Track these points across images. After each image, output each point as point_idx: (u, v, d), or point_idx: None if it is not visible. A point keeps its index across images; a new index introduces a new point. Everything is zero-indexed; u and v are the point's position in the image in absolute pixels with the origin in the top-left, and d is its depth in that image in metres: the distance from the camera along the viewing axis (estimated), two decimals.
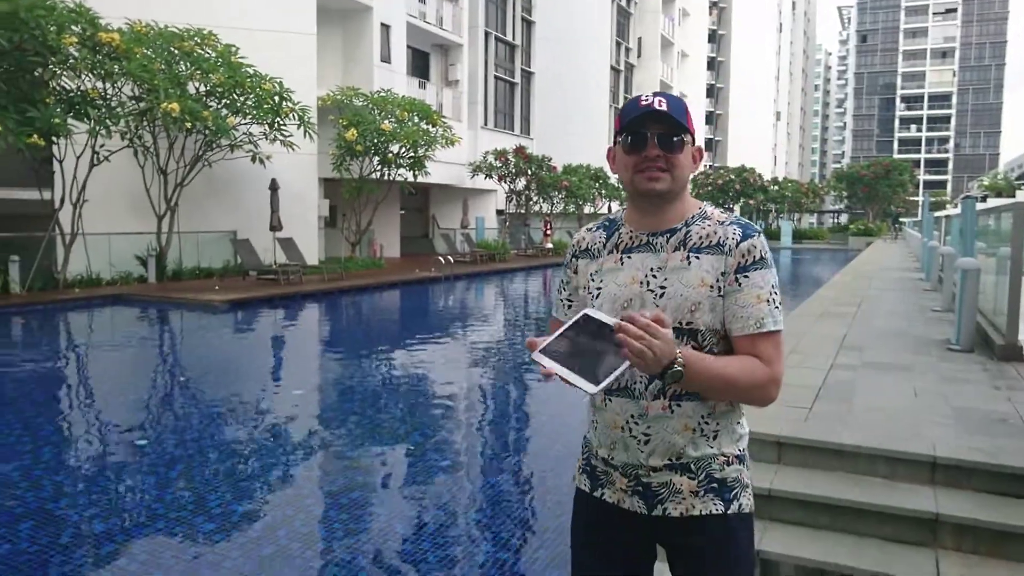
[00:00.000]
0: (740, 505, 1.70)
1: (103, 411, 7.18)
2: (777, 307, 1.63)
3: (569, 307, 1.84)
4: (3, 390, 7.87)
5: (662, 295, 1.65)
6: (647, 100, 1.64)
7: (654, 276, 1.67)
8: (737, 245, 1.63)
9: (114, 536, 4.14)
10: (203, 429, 6.40)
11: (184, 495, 4.76)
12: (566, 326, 1.54)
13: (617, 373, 1.50)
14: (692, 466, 1.66)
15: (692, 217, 1.70)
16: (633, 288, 1.68)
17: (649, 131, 1.63)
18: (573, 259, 1.84)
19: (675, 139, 1.64)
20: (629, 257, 1.71)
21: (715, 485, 1.68)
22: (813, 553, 3.30)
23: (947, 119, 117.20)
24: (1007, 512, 3.38)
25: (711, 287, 1.62)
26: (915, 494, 3.58)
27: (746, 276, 1.62)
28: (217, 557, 3.85)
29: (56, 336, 11.85)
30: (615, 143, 1.72)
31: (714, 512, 1.67)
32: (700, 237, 1.66)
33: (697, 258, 1.64)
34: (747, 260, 1.63)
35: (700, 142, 1.73)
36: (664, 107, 1.62)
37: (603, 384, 1.48)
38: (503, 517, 4.57)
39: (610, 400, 1.70)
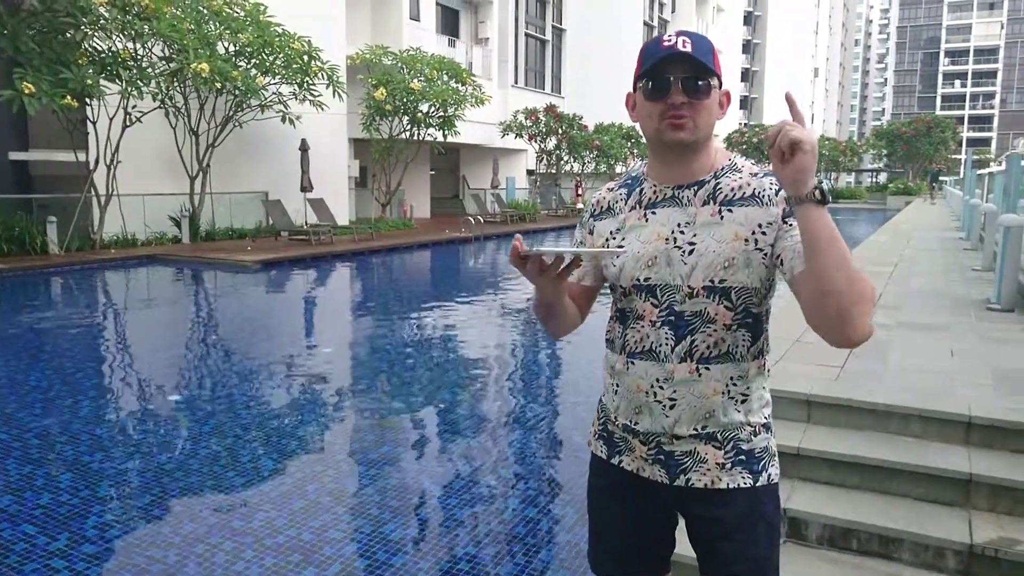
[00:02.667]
0: (768, 476, 1.62)
1: (139, 368, 7.33)
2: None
3: (579, 266, 1.72)
4: (44, 347, 8.06)
5: (691, 252, 1.54)
6: (669, 40, 1.49)
7: (681, 232, 1.55)
8: (777, 193, 1.52)
9: (150, 488, 4.24)
10: (236, 386, 6.51)
11: (217, 450, 4.85)
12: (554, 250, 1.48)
13: (615, 250, 1.51)
14: (719, 435, 1.58)
15: (721, 168, 1.58)
16: (658, 245, 1.57)
17: (672, 75, 1.48)
18: (591, 219, 1.73)
19: (701, 83, 1.49)
20: (654, 213, 1.60)
21: (742, 457, 1.60)
22: (842, 512, 3.26)
23: (993, 74, 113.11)
24: None
25: (746, 240, 1.50)
26: (949, 454, 3.52)
27: (788, 224, 1.50)
28: (249, 510, 3.92)
29: (94, 296, 12.09)
30: (635, 88, 1.58)
31: (742, 486, 1.59)
32: (731, 190, 1.54)
33: (730, 211, 1.53)
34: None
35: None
36: (688, 48, 1.47)
37: (602, 249, 1.52)
38: (532, 475, 4.60)
39: (633, 363, 1.61)
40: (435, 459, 4.82)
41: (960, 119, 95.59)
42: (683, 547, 1.79)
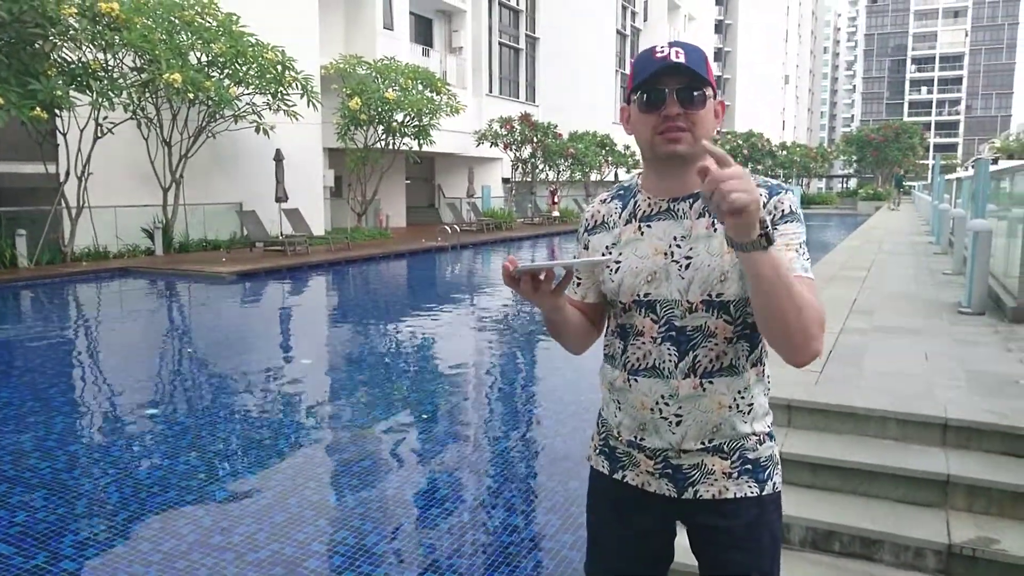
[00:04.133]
0: (773, 484, 1.63)
1: (114, 382, 7.22)
2: (807, 259, 1.48)
3: (579, 284, 1.73)
4: (15, 362, 7.91)
5: (688, 266, 1.52)
6: (663, 51, 1.48)
7: (678, 246, 1.54)
8: (764, 205, 1.49)
9: (128, 505, 4.18)
10: (213, 399, 6.44)
11: (196, 464, 4.79)
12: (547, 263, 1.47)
13: (603, 259, 1.53)
14: (725, 447, 1.59)
15: None
16: (657, 260, 1.55)
17: (667, 86, 1.48)
18: (585, 234, 1.71)
19: (696, 94, 1.48)
20: (649, 226, 1.58)
21: (749, 466, 1.60)
22: (824, 515, 3.30)
23: (958, 80, 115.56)
24: (1019, 473, 3.36)
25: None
26: (926, 456, 3.57)
27: (774, 228, 1.48)
28: (229, 524, 3.88)
29: (65, 309, 11.90)
30: (629, 101, 1.56)
31: (749, 495, 1.60)
32: None
33: (722, 223, 1.51)
34: (775, 215, 1.51)
35: None
36: (682, 58, 1.46)
37: (589, 259, 1.56)
38: (514, 483, 4.59)
39: (636, 380, 1.59)
40: (417, 469, 4.80)
41: (927, 125, 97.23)
42: (680, 555, 1.79)
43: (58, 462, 4.82)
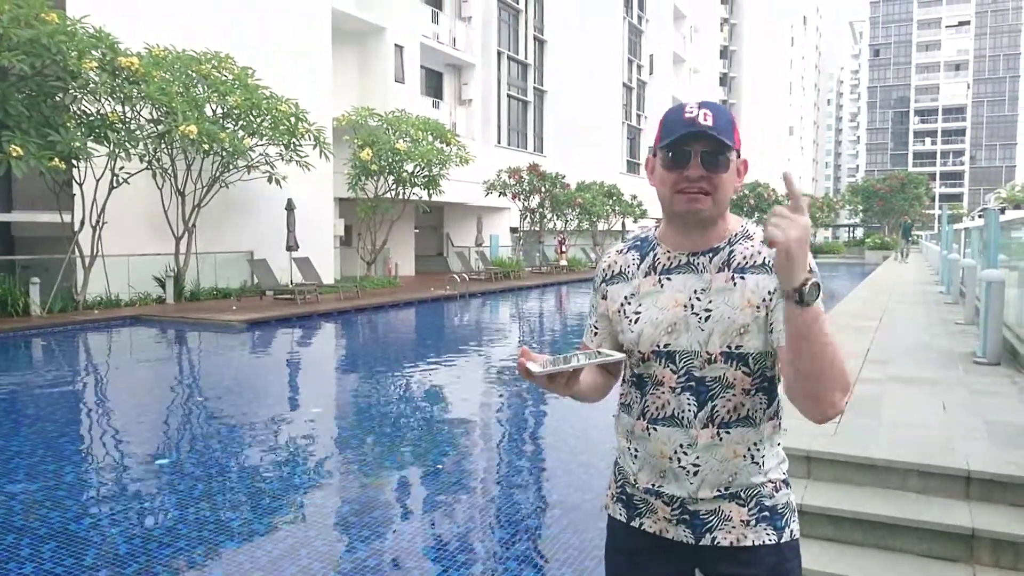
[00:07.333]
0: (791, 532, 1.63)
1: (124, 432, 7.19)
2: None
3: (595, 334, 1.76)
4: (26, 411, 7.90)
5: (707, 318, 1.55)
6: (691, 113, 1.51)
7: (698, 299, 1.57)
8: (766, 261, 1.55)
9: (136, 556, 4.12)
10: (223, 449, 6.40)
11: (205, 515, 4.74)
12: (571, 364, 1.49)
13: (618, 357, 1.52)
14: (742, 494, 1.59)
15: (735, 235, 1.61)
16: (677, 311, 1.58)
17: (692, 148, 1.51)
18: (603, 284, 1.74)
19: (720, 158, 1.52)
20: (669, 279, 1.62)
21: (766, 513, 1.60)
22: (848, 569, 3.23)
23: (962, 132, 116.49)
24: None
25: (757, 307, 1.53)
26: (950, 509, 3.51)
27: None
28: None
29: (76, 357, 11.91)
30: (654, 154, 1.61)
31: (767, 543, 1.59)
32: (744, 257, 1.58)
33: (742, 278, 1.56)
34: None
35: None
36: (710, 121, 1.49)
37: (606, 357, 1.51)
38: (526, 534, 4.52)
39: (655, 429, 1.61)
40: (428, 521, 4.73)
41: (932, 175, 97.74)
42: None
43: (68, 512, 4.78)
